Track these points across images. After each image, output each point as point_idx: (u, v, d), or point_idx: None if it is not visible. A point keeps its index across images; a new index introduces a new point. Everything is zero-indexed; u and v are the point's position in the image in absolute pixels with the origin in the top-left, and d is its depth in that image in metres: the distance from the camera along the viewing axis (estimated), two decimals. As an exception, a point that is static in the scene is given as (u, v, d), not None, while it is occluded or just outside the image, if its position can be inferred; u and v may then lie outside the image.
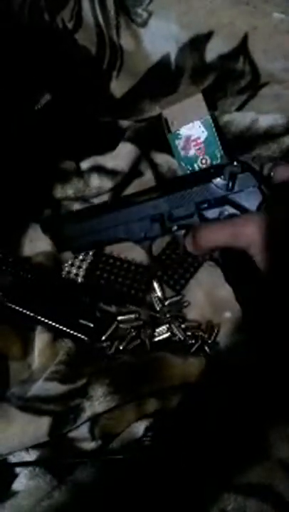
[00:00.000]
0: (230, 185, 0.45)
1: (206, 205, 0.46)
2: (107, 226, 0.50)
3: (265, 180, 0.45)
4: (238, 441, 0.41)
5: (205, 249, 0.46)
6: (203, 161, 0.52)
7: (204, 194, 0.46)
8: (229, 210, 0.46)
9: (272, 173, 0.44)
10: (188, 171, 0.52)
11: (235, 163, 0.44)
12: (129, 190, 0.55)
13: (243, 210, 0.45)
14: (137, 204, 0.49)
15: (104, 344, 0.51)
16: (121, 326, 0.52)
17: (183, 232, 0.49)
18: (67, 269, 0.52)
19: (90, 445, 0.44)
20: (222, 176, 0.45)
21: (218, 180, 0.46)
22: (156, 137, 0.53)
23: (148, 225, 0.49)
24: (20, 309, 0.48)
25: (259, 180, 0.44)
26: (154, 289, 0.53)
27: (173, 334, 0.52)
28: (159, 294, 0.53)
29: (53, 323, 0.48)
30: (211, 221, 0.46)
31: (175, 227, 0.49)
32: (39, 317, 0.48)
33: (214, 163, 0.51)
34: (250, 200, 0.45)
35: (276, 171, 0.43)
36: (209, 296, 0.53)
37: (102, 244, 0.53)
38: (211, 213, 0.46)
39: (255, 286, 0.43)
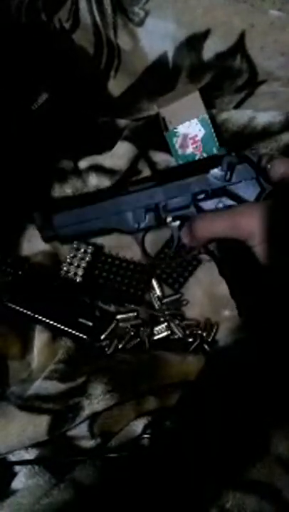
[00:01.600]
0: (228, 175, 0.44)
1: (203, 196, 0.45)
2: (97, 215, 0.47)
3: (263, 172, 0.44)
4: (237, 438, 0.41)
5: (202, 240, 0.44)
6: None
7: (201, 185, 0.45)
8: (226, 201, 0.45)
9: (268, 166, 0.43)
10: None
11: (233, 153, 0.43)
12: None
13: (241, 202, 0.44)
14: (132, 193, 0.47)
15: (104, 343, 0.51)
16: (120, 324, 0.52)
17: (178, 223, 0.48)
18: (65, 268, 0.52)
19: (89, 443, 0.44)
20: (220, 167, 0.44)
21: (215, 171, 0.45)
22: (154, 136, 0.53)
23: (142, 215, 0.47)
24: (20, 309, 0.48)
25: (257, 172, 0.44)
26: (153, 288, 0.53)
27: (172, 332, 0.52)
28: (158, 292, 0.53)
29: (52, 323, 0.48)
30: (208, 212, 0.45)
31: (170, 218, 0.47)
32: (38, 316, 0.48)
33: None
34: (248, 191, 0.44)
35: (273, 164, 0.43)
36: (208, 295, 0.53)
37: (91, 234, 0.51)
38: (208, 204, 0.45)
39: (251, 279, 0.42)
